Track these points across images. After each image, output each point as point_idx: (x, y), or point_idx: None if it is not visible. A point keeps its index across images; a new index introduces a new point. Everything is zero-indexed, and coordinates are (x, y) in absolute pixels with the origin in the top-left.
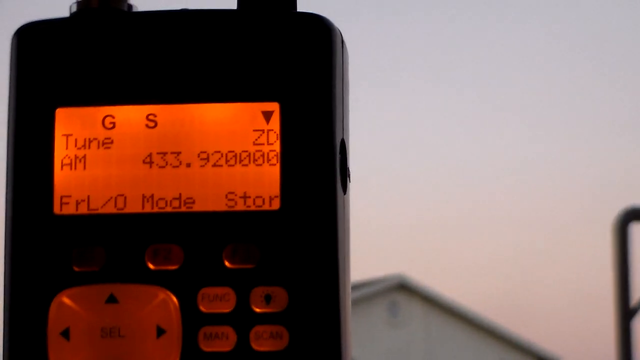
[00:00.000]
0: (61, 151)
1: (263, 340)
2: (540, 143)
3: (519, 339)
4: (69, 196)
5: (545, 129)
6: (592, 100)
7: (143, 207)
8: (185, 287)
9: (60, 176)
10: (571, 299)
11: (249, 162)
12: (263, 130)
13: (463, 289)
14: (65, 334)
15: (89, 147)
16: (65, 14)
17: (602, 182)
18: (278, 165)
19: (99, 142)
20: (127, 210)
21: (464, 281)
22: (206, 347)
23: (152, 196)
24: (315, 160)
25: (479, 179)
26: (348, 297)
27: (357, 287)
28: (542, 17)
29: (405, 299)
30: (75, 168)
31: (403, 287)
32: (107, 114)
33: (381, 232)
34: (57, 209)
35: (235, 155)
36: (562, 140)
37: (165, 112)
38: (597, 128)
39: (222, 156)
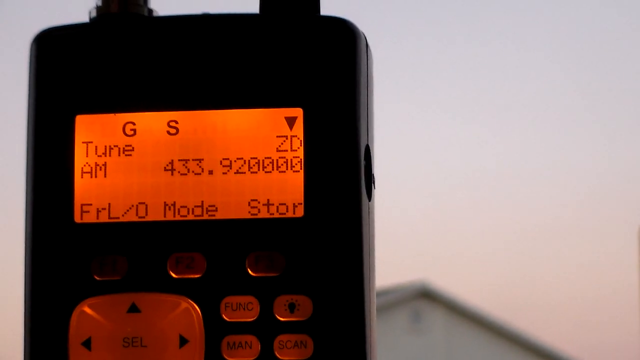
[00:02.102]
0: (81, 159)
1: (287, 349)
2: (555, 147)
3: (544, 347)
4: (90, 204)
5: (564, 132)
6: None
7: (165, 215)
8: (208, 296)
9: (81, 184)
10: (596, 305)
11: (272, 168)
12: (286, 137)
13: (485, 295)
14: (87, 344)
15: (110, 154)
16: (63, 15)
17: (616, 184)
18: (302, 172)
19: (119, 149)
20: (149, 218)
21: (487, 288)
22: (229, 356)
23: (174, 204)
24: (340, 166)
25: (503, 185)
26: (373, 305)
27: (379, 294)
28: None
29: (428, 306)
30: (95, 176)
31: (426, 295)
32: (127, 121)
33: (403, 238)
34: (77, 218)
35: (258, 162)
36: (577, 143)
37: (186, 119)
38: (616, 129)
39: (244, 163)
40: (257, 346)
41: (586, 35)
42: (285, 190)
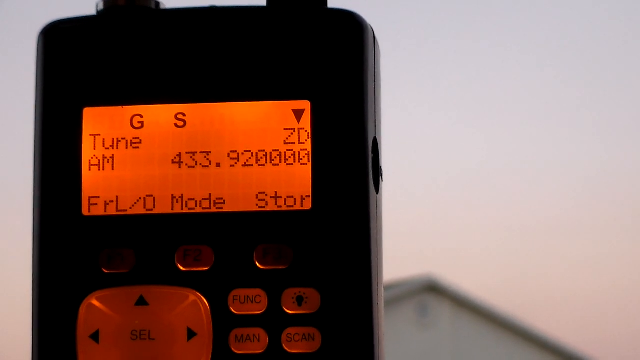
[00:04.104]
0: (89, 151)
1: (295, 342)
2: (561, 143)
3: (550, 340)
4: (97, 197)
5: (570, 127)
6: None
7: (172, 207)
8: (215, 288)
9: (88, 177)
10: (602, 298)
11: (280, 161)
12: (294, 129)
13: (492, 289)
14: (95, 336)
15: (117, 147)
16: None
17: (621, 179)
18: (309, 164)
19: (127, 142)
20: (157, 211)
21: (494, 282)
22: (237, 349)
23: (181, 196)
24: (347, 159)
25: (510, 180)
26: (381, 298)
27: (386, 287)
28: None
29: (435, 300)
30: (103, 168)
31: (432, 288)
32: (135, 114)
33: (411, 231)
34: (85, 210)
35: (265, 155)
36: (580, 139)
37: (194, 111)
38: (619, 124)
39: (252, 155)
40: (265, 339)
41: (586, 33)
42: (293, 183)
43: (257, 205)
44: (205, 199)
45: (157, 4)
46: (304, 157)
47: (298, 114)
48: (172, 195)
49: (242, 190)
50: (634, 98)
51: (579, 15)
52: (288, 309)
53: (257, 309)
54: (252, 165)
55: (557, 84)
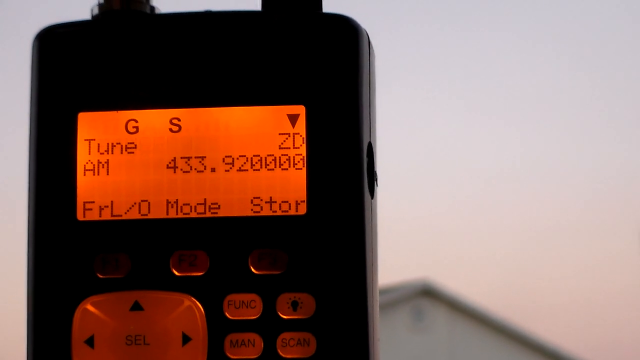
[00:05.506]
0: (84, 156)
1: (290, 347)
2: (558, 147)
3: (546, 345)
4: (92, 202)
5: (568, 132)
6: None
7: (167, 212)
8: (210, 293)
9: (83, 182)
10: (598, 304)
11: (275, 166)
12: (289, 134)
13: (487, 293)
14: (90, 342)
15: (112, 152)
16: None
17: (620, 184)
18: (304, 169)
19: (122, 146)
20: (151, 216)
21: (489, 286)
22: (232, 354)
23: (176, 202)
24: (342, 164)
25: (506, 184)
26: (376, 303)
27: (381, 292)
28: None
29: (430, 304)
30: (98, 173)
31: (428, 293)
32: (130, 118)
33: (406, 235)
34: (80, 215)
35: (260, 160)
36: (580, 143)
37: (189, 116)
38: (620, 129)
39: (247, 160)
40: (260, 344)
41: (590, 35)
42: (287, 188)
43: (252, 210)
44: (200, 204)
45: (152, 8)
46: (298, 162)
47: (293, 118)
48: (167, 200)
49: (237, 195)
50: (636, 96)
51: (598, 13)
52: (283, 314)
53: (252, 314)
54: (247, 170)
55: (560, 86)
